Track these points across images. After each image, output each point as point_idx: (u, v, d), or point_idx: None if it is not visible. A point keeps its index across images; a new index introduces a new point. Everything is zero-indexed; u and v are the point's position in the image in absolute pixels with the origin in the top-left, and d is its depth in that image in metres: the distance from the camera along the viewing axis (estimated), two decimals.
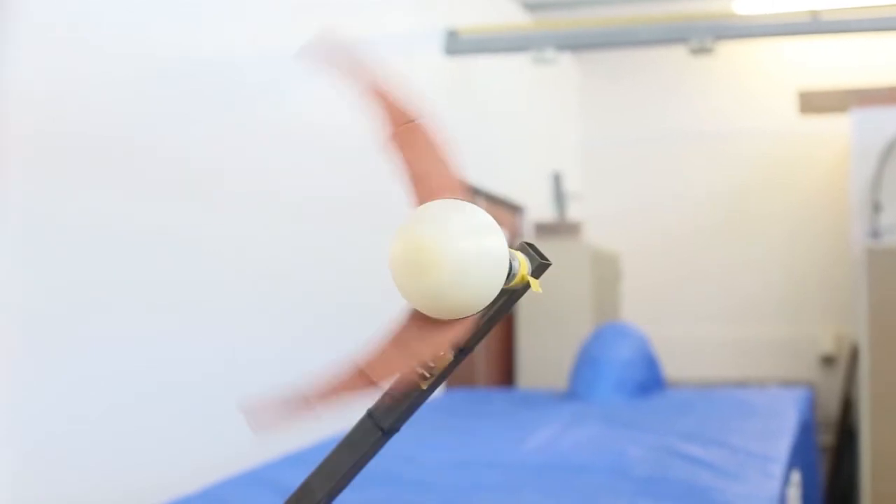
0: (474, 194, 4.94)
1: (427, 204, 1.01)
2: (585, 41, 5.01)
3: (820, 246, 6.57)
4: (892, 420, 4.89)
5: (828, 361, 6.52)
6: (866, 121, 5.62)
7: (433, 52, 4.71)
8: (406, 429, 1.15)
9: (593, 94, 7.12)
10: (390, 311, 1.06)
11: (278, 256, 3.32)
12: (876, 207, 5.42)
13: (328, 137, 3.64)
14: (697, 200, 6.83)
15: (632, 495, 2.50)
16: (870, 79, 6.16)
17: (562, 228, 5.76)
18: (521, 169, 5.97)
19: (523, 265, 1.06)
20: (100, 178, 2.50)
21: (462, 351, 1.10)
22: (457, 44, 4.79)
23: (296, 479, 1.18)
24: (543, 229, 5.78)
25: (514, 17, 6.02)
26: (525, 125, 6.13)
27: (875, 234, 5.35)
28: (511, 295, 1.07)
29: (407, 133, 1.08)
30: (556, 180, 5.91)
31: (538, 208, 6.00)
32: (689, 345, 6.66)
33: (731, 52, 6.32)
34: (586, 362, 4.31)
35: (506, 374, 5.59)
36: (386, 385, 1.05)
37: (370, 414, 1.13)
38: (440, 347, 1.04)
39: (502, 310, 1.09)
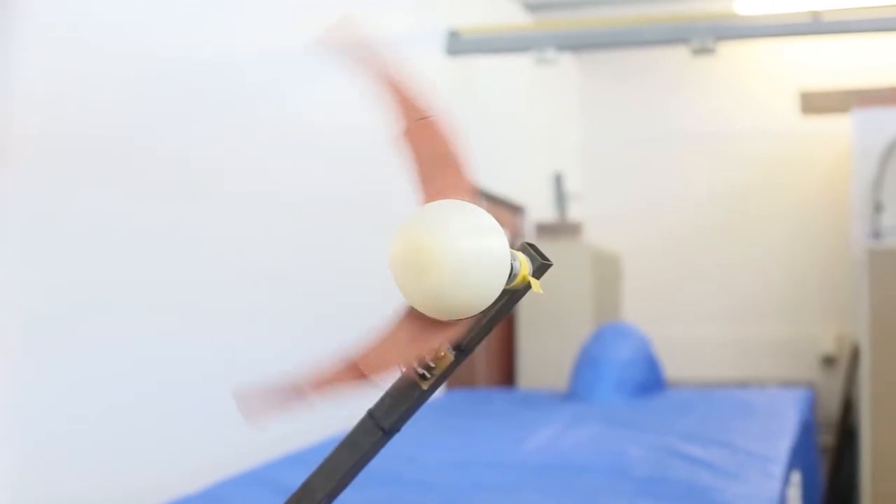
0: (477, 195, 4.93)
1: (428, 204, 1.01)
2: (586, 41, 5.01)
3: (821, 246, 6.57)
4: (892, 420, 4.89)
5: (828, 362, 6.52)
6: (867, 121, 5.62)
7: (434, 52, 4.71)
8: (406, 429, 1.15)
9: (594, 95, 7.12)
10: (390, 312, 1.06)
11: (278, 256, 3.32)
12: (877, 208, 5.42)
13: (328, 137, 3.64)
14: (698, 201, 6.83)
15: (632, 495, 2.50)
16: (871, 79, 6.16)
17: (562, 229, 5.76)
18: (522, 169, 5.97)
19: (524, 265, 1.05)
20: (100, 178, 2.49)
21: (463, 351, 1.10)
22: (458, 44, 4.79)
23: (296, 479, 1.18)
24: (544, 229, 5.77)
25: (515, 18, 6.02)
26: (526, 125, 6.13)
27: (876, 234, 5.35)
28: (512, 295, 1.07)
29: (419, 129, 1.08)
30: (557, 180, 5.91)
31: (539, 208, 6.00)
32: (689, 345, 6.66)
33: (732, 53, 6.32)
34: (587, 362, 4.31)
35: (506, 375, 5.59)
36: (378, 380, 1.05)
37: (371, 414, 1.13)
38: (434, 346, 1.04)
39: (503, 310, 1.09)
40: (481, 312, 1.01)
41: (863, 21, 4.50)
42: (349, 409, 1.22)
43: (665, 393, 4.42)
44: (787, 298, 6.64)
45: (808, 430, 4.03)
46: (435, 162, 1.07)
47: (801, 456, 3.55)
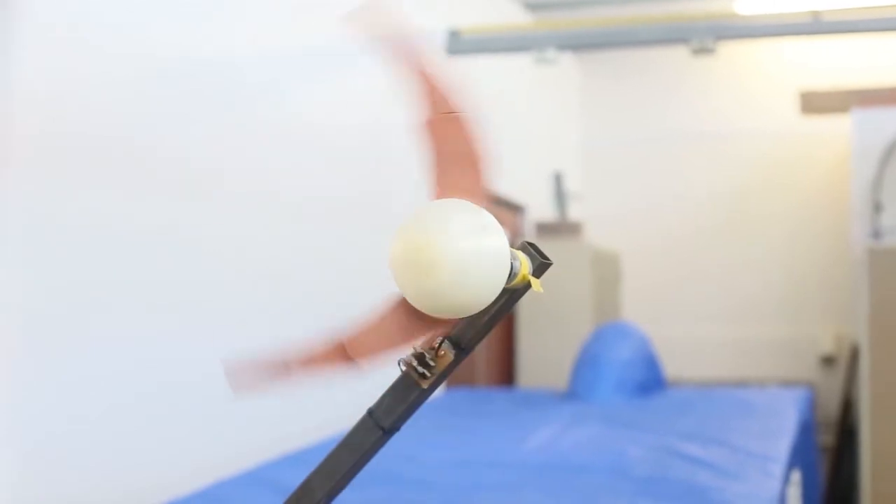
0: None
1: (428, 203, 1.01)
2: (586, 41, 5.00)
3: (820, 246, 6.57)
4: (892, 420, 4.89)
5: (828, 361, 6.52)
6: (867, 121, 5.62)
7: (434, 52, 4.71)
8: (406, 428, 1.15)
9: (594, 94, 7.12)
10: (382, 298, 1.07)
11: (278, 256, 3.32)
12: (877, 208, 5.42)
13: (328, 137, 3.64)
14: (698, 200, 6.83)
15: (632, 495, 2.50)
16: (871, 79, 6.16)
17: (562, 228, 5.76)
18: (522, 169, 5.97)
19: (524, 265, 1.06)
20: (100, 178, 2.50)
21: (462, 350, 1.10)
22: (458, 44, 4.78)
23: (296, 479, 1.18)
24: (544, 229, 5.78)
25: (515, 17, 6.02)
26: (526, 125, 6.13)
27: (876, 234, 5.35)
28: (512, 294, 1.07)
29: (443, 123, 1.07)
30: (557, 180, 5.91)
31: (539, 208, 6.00)
32: (689, 345, 6.66)
33: (732, 53, 6.32)
34: (587, 362, 4.31)
35: (506, 374, 5.59)
36: (364, 364, 1.06)
37: (370, 413, 1.13)
38: (422, 338, 1.04)
39: (503, 309, 1.09)
40: (481, 311, 1.01)
41: (863, 21, 4.50)
42: (349, 408, 1.22)
43: (665, 392, 4.42)
44: (786, 298, 6.64)
45: (807, 429, 4.04)
46: (454, 160, 1.06)
47: (800, 455, 3.55)
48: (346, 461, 1.13)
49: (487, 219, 0.99)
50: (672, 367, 5.48)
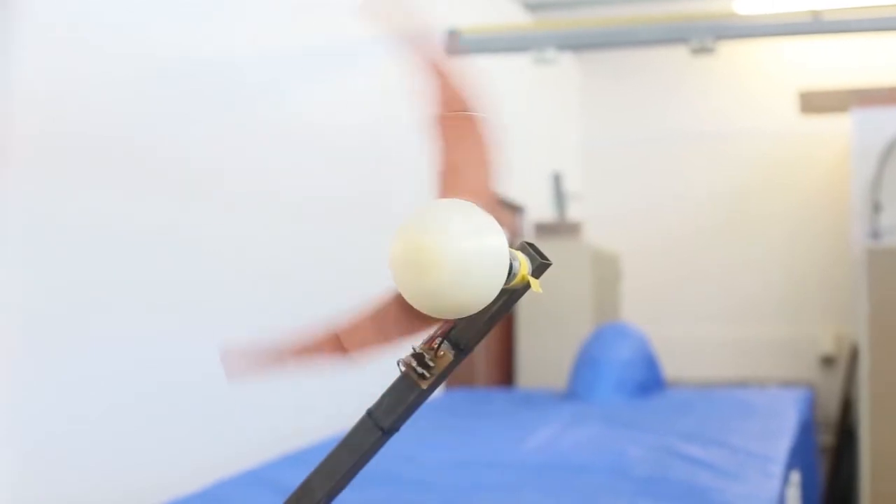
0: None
1: (428, 204, 1.01)
2: (586, 41, 5.00)
3: (820, 246, 6.57)
4: (891, 420, 4.89)
5: (828, 362, 6.52)
6: (867, 121, 5.62)
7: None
8: (406, 428, 1.15)
9: (594, 95, 7.12)
10: (379, 291, 1.07)
11: (278, 256, 3.32)
12: (876, 208, 5.42)
13: (328, 137, 3.64)
14: (698, 200, 6.83)
15: (632, 495, 2.50)
16: (870, 79, 6.16)
17: (562, 228, 5.76)
18: (522, 169, 5.97)
19: (523, 265, 1.06)
20: (100, 178, 2.50)
21: (462, 351, 1.10)
22: (458, 44, 4.78)
23: (296, 479, 1.19)
24: (543, 229, 5.78)
25: (515, 17, 6.02)
26: (526, 125, 6.13)
27: (875, 234, 5.35)
28: (511, 295, 1.07)
29: (455, 122, 1.07)
30: (557, 180, 5.91)
31: (538, 208, 6.00)
32: (689, 345, 6.66)
33: (731, 53, 6.32)
34: (586, 362, 4.31)
35: (506, 374, 5.59)
36: (356, 356, 1.06)
37: (370, 413, 1.13)
38: (416, 334, 1.05)
39: (502, 310, 1.09)
40: (480, 311, 1.01)
41: (863, 21, 4.50)
42: (349, 408, 1.22)
43: (664, 393, 4.42)
44: (786, 298, 6.64)
45: (807, 429, 4.04)
46: (461, 159, 1.06)
47: (800, 456, 3.55)
48: (346, 461, 1.13)
49: (487, 219, 1.00)
50: (672, 368, 5.48)
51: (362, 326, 1.05)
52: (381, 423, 1.12)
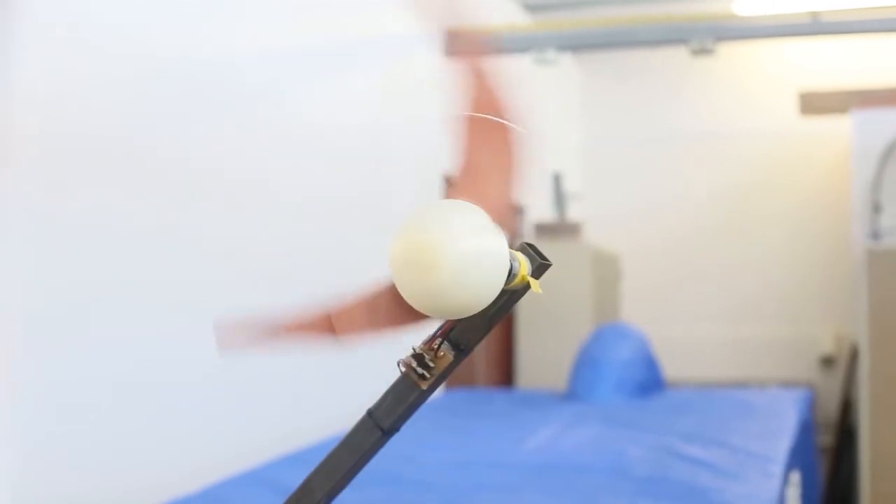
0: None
1: (429, 203, 1.01)
2: (586, 42, 5.00)
3: (820, 246, 6.57)
4: (891, 420, 4.89)
5: (828, 362, 6.52)
6: (867, 122, 5.62)
7: (433, 52, 4.71)
8: (406, 429, 1.15)
9: (594, 95, 7.12)
10: (376, 278, 1.07)
11: (278, 256, 3.32)
12: (876, 208, 5.43)
13: (328, 137, 3.65)
14: (698, 201, 6.83)
15: (632, 495, 2.50)
16: (870, 80, 6.16)
17: (562, 229, 5.76)
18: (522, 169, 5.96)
19: (523, 265, 1.06)
20: (100, 178, 2.50)
21: (462, 351, 1.10)
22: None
23: (296, 479, 1.19)
24: (543, 230, 5.77)
25: (515, 18, 6.02)
26: (525, 125, 6.12)
27: (875, 235, 5.35)
28: (511, 295, 1.07)
29: (483, 125, 1.07)
30: (557, 180, 5.91)
31: (538, 209, 6.00)
32: (689, 345, 6.66)
33: (731, 53, 6.32)
34: (586, 362, 4.31)
35: (506, 375, 5.59)
36: (345, 340, 1.06)
37: (370, 413, 1.13)
38: (406, 327, 1.05)
39: (502, 310, 1.09)
40: (480, 312, 1.01)
41: (863, 21, 4.50)
42: (349, 408, 1.22)
43: (665, 393, 4.42)
44: (786, 298, 6.64)
45: (807, 430, 4.04)
46: (484, 164, 1.05)
47: (800, 456, 3.55)
48: (346, 461, 1.13)
49: (487, 220, 1.00)
50: (672, 368, 5.48)
51: (354, 312, 1.05)
52: (381, 424, 1.12)
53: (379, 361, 1.54)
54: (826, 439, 5.85)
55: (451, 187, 1.05)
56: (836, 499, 5.63)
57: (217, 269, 2.98)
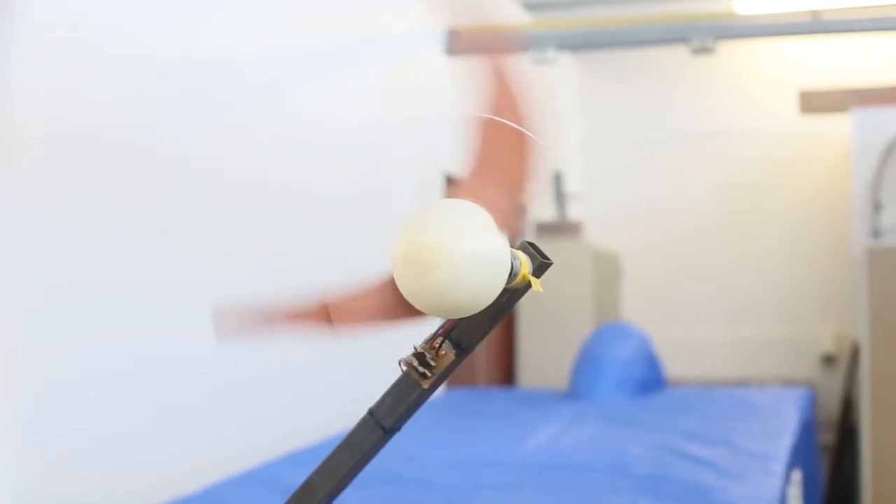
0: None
1: (429, 204, 1.01)
2: (586, 41, 5.01)
3: (820, 246, 6.57)
4: (892, 419, 4.89)
5: (828, 361, 6.52)
6: (867, 121, 5.62)
7: (433, 51, 4.71)
8: (407, 428, 1.15)
9: (594, 94, 7.12)
10: (376, 272, 1.07)
11: (278, 256, 3.32)
12: (876, 207, 5.42)
13: (328, 137, 3.64)
14: (698, 200, 6.83)
15: (633, 494, 2.50)
16: (870, 79, 6.16)
17: (562, 228, 5.76)
18: None
19: (524, 265, 1.06)
20: (100, 178, 2.49)
21: (463, 350, 1.10)
22: (457, 44, 4.78)
23: (296, 478, 1.18)
24: (544, 229, 5.78)
25: (515, 17, 6.01)
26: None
27: (875, 233, 5.35)
28: (512, 294, 1.07)
29: (497, 128, 1.06)
30: (557, 180, 5.91)
31: (539, 208, 5.99)
32: (689, 344, 6.66)
33: (731, 52, 6.31)
34: (587, 361, 4.31)
35: (506, 374, 5.59)
36: (341, 331, 1.06)
37: (371, 413, 1.13)
38: (403, 322, 1.05)
39: (503, 309, 1.09)
40: (481, 311, 1.01)
41: (863, 21, 4.50)
42: (349, 408, 1.22)
43: (665, 392, 4.42)
44: (787, 298, 6.64)
45: (808, 428, 4.04)
46: (496, 165, 1.05)
47: (801, 455, 3.55)
48: (348, 461, 1.13)
49: (488, 219, 0.99)
50: (672, 367, 5.48)
51: (352, 304, 1.05)
52: (382, 423, 1.12)
53: (380, 360, 1.54)
54: (827, 438, 5.85)
55: (457, 185, 1.05)
56: (837, 497, 5.63)
57: (217, 269, 2.97)
